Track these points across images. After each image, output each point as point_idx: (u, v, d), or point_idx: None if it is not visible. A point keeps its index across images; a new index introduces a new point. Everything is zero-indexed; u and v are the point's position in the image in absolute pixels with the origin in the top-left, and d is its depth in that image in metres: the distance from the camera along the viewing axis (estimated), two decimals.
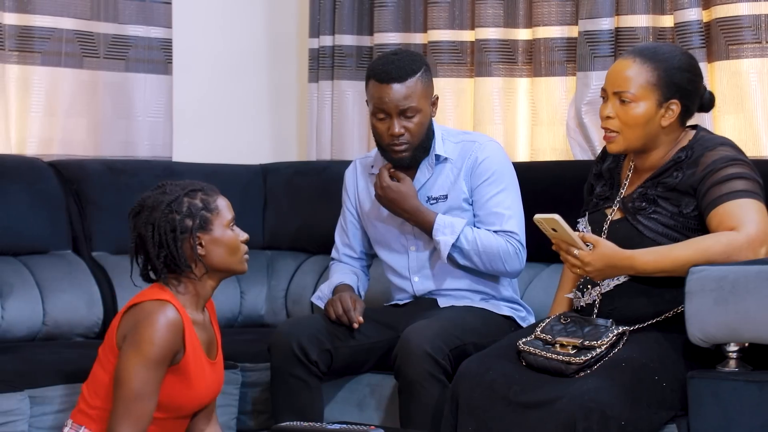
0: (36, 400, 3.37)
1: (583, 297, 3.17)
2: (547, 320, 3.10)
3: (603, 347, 2.95)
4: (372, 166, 3.73)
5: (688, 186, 3.04)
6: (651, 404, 2.90)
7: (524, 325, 3.61)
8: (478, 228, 3.57)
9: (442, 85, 4.52)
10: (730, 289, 2.88)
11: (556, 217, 2.91)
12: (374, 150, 3.72)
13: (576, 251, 2.95)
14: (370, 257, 3.84)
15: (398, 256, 3.69)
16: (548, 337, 3.01)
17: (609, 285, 3.13)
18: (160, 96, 4.63)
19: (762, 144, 3.94)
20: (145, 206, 3.04)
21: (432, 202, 3.61)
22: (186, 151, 4.73)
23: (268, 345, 3.52)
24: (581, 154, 4.27)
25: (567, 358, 2.94)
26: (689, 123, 3.20)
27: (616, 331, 2.99)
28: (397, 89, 3.51)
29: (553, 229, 2.95)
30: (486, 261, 3.55)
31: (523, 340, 3.03)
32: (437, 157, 3.62)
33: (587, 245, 2.98)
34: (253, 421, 3.75)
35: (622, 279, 3.10)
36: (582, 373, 2.93)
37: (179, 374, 2.97)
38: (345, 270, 3.77)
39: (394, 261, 3.71)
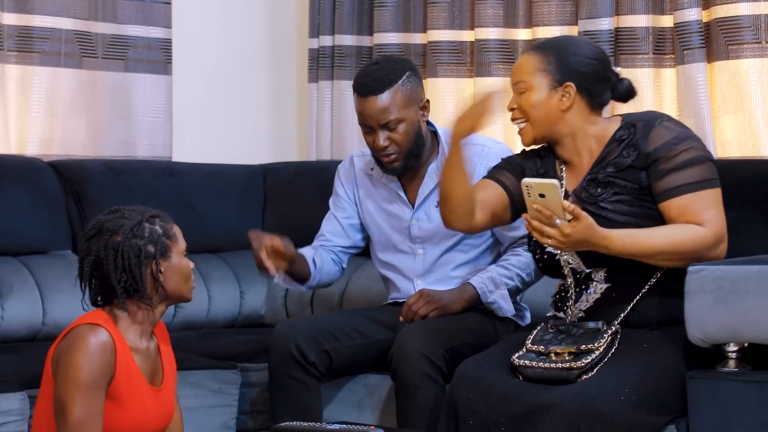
0: (36, 401, 3.37)
1: (566, 316, 3.15)
2: (534, 331, 3.07)
3: (600, 348, 2.94)
4: (372, 168, 3.71)
5: (641, 162, 3.06)
6: (651, 408, 2.90)
7: (523, 324, 3.61)
8: (499, 235, 3.56)
9: (441, 86, 4.53)
10: (729, 289, 2.88)
11: (555, 182, 2.89)
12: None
13: (558, 221, 2.92)
14: (347, 250, 3.78)
15: (404, 257, 3.67)
16: (541, 348, 2.98)
17: (588, 301, 3.12)
18: (159, 96, 4.63)
19: (762, 144, 3.94)
20: (103, 229, 2.94)
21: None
22: (186, 152, 4.72)
23: (266, 346, 3.51)
24: None
25: (567, 365, 2.92)
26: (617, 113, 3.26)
27: (609, 331, 2.98)
28: (374, 103, 3.49)
29: (541, 195, 2.90)
30: (530, 277, 3.56)
31: (517, 354, 3.00)
32: None
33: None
34: (253, 422, 3.75)
35: (599, 293, 3.09)
36: (584, 377, 2.92)
37: (111, 399, 2.89)
38: (310, 246, 3.73)
39: (399, 262, 3.69)
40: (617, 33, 4.19)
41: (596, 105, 3.15)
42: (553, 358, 2.95)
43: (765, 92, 3.95)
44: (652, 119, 3.11)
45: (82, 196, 4.22)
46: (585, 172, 3.14)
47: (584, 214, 2.93)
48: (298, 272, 3.63)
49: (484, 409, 2.96)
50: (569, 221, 2.91)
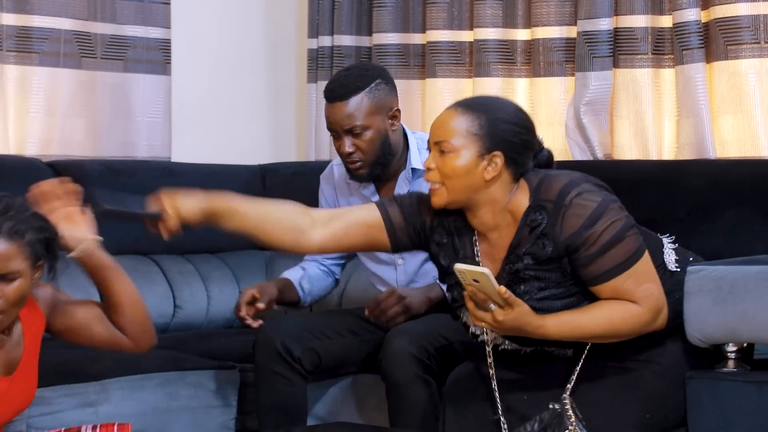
0: (35, 401, 3.36)
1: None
2: None
3: (570, 416, 2.85)
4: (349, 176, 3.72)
5: (560, 252, 2.87)
6: (655, 424, 2.89)
7: None
8: None
9: (440, 86, 4.53)
10: (728, 289, 2.88)
11: (487, 272, 2.73)
12: None
13: (492, 306, 2.78)
14: (338, 261, 3.80)
15: (386, 267, 3.67)
16: None
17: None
18: (158, 96, 4.63)
19: (761, 144, 3.94)
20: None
21: None
22: (185, 152, 4.72)
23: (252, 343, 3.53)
24: (580, 154, 4.27)
25: None
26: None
27: (566, 402, 2.87)
28: (340, 109, 3.48)
29: (475, 281, 2.76)
30: None
31: None
32: (414, 170, 3.56)
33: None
34: (252, 422, 3.75)
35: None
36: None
37: None
38: (300, 265, 3.76)
39: (382, 272, 3.69)
40: (616, 33, 4.19)
41: (518, 175, 2.91)
42: None
43: (764, 92, 3.95)
44: (560, 198, 2.85)
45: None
46: (501, 252, 2.95)
47: (519, 301, 2.77)
48: (287, 300, 3.68)
49: (485, 410, 2.95)
50: (503, 308, 2.77)
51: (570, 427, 2.82)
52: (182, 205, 2.93)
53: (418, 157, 3.56)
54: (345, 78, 3.52)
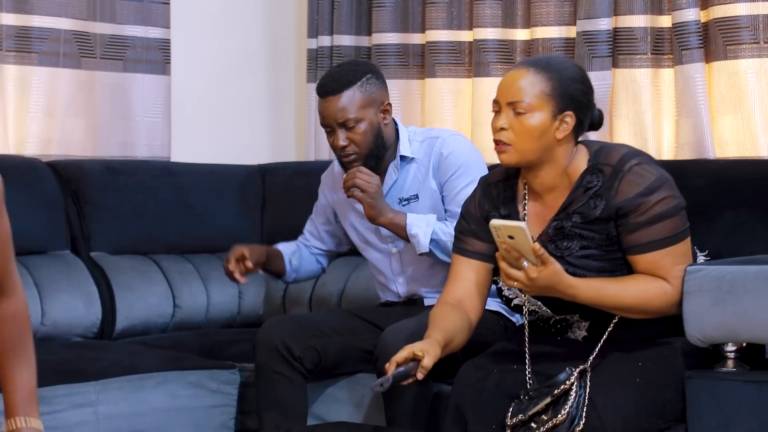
0: None
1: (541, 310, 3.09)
2: (510, 409, 2.92)
3: (573, 393, 2.86)
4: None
5: (609, 214, 2.93)
6: (651, 419, 2.89)
7: (514, 319, 3.60)
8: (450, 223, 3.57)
9: (439, 86, 4.53)
10: (728, 289, 2.88)
11: (523, 225, 2.79)
12: None
13: (525, 263, 2.82)
14: (322, 253, 3.88)
15: (382, 257, 3.71)
16: (521, 417, 2.88)
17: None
18: (158, 96, 4.63)
19: (760, 144, 3.94)
20: None
21: (404, 203, 3.61)
22: (184, 152, 4.73)
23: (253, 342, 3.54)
24: None
25: (551, 425, 2.85)
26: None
27: (574, 375, 2.88)
28: (333, 102, 3.54)
29: (510, 237, 2.80)
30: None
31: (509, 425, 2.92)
32: (402, 158, 3.62)
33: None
34: (251, 422, 3.75)
35: (585, 331, 3.03)
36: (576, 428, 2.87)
37: None
38: (293, 243, 3.87)
39: (377, 263, 3.73)
40: (615, 33, 4.19)
41: (579, 135, 3.01)
42: (538, 426, 2.86)
43: (763, 92, 3.95)
44: (620, 164, 2.94)
45: (80, 196, 4.22)
46: (552, 213, 3.01)
47: (552, 259, 2.83)
48: (273, 269, 3.80)
49: (496, 403, 2.93)
50: (537, 265, 2.82)
51: (570, 400, 2.85)
52: (429, 353, 2.90)
53: (408, 146, 3.63)
54: (336, 73, 3.59)
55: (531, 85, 2.94)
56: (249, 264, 3.63)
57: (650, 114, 4.16)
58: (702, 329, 2.92)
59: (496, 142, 2.98)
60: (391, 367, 2.85)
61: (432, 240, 3.50)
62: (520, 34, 4.44)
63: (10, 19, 4.29)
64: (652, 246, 2.91)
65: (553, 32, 4.35)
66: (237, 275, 3.62)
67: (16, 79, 4.32)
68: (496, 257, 2.88)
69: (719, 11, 3.98)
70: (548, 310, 3.03)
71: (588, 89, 3.01)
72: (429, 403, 3.32)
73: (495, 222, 2.82)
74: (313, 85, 4.81)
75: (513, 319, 3.61)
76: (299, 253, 3.85)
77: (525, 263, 2.82)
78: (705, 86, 4.03)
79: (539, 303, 3.02)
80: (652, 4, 4.15)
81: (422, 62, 4.61)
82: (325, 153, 4.76)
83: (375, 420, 3.50)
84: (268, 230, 4.53)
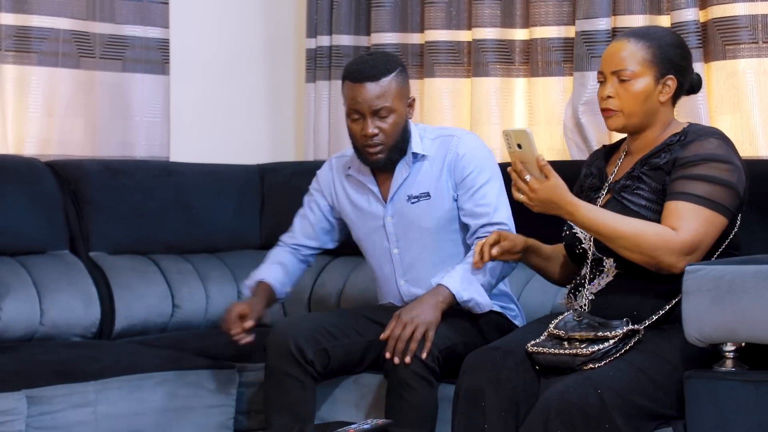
0: (33, 400, 3.37)
1: (575, 300, 3.16)
2: (561, 317, 3.06)
3: (612, 341, 2.94)
4: (349, 167, 3.70)
5: (669, 166, 3.07)
6: (644, 407, 2.90)
7: (516, 322, 3.60)
8: (466, 222, 3.56)
9: (438, 86, 4.53)
10: (726, 288, 2.88)
11: (527, 130, 2.90)
12: (350, 149, 3.66)
13: (528, 176, 2.94)
14: (315, 252, 3.87)
15: (384, 257, 3.67)
16: (562, 333, 2.99)
17: (600, 284, 3.13)
18: (157, 96, 4.63)
19: (759, 144, 3.95)
20: None
21: (413, 200, 3.58)
22: (183, 151, 4.73)
23: (264, 344, 3.51)
24: (578, 153, 4.27)
25: (574, 351, 2.93)
26: (681, 120, 3.24)
27: (626, 328, 2.96)
28: (371, 88, 3.47)
29: (519, 145, 2.91)
30: (498, 274, 3.52)
31: (533, 342, 3.01)
32: (414, 155, 3.58)
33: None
34: (251, 422, 3.75)
35: (611, 277, 3.11)
36: (589, 365, 2.92)
37: None
38: (278, 257, 3.81)
39: (378, 265, 3.69)
40: (614, 33, 4.19)
41: (678, 97, 3.18)
42: (566, 345, 2.96)
43: (762, 92, 3.95)
44: (705, 133, 3.10)
45: (79, 196, 4.22)
46: (634, 164, 3.16)
47: (555, 174, 2.95)
48: (269, 306, 3.79)
49: (513, 379, 2.96)
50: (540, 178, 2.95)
51: (606, 345, 2.94)
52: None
53: (419, 143, 3.59)
54: (373, 60, 3.53)
55: (633, 54, 3.11)
56: (250, 324, 3.58)
57: None
58: (701, 329, 2.92)
59: (603, 110, 3.14)
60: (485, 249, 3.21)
61: (483, 287, 3.46)
62: (519, 34, 4.44)
63: (9, 18, 4.29)
64: (683, 196, 3.00)
65: (552, 32, 4.35)
66: (239, 338, 3.57)
67: (15, 79, 4.32)
68: (507, 171, 3.00)
69: (718, 11, 3.98)
70: (591, 244, 3.13)
71: (686, 53, 3.16)
72: (434, 405, 3.31)
73: (506, 129, 2.95)
74: (312, 85, 4.82)
75: (515, 322, 3.62)
76: (286, 269, 3.79)
77: (527, 177, 2.93)
78: (704, 86, 4.03)
79: (587, 235, 3.13)
80: (651, 4, 4.16)
81: (421, 62, 4.61)
82: (324, 153, 4.76)
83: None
84: (267, 230, 4.53)
